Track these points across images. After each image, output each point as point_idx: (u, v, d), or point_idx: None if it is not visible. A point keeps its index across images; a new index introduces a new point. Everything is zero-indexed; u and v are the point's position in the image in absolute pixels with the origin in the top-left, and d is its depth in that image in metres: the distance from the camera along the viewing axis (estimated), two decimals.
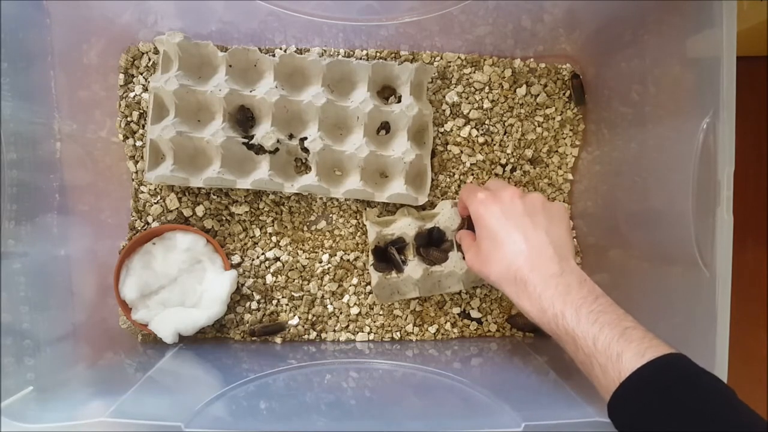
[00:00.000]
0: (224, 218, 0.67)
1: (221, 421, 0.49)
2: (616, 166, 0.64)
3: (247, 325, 0.67)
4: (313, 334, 0.68)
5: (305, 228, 0.68)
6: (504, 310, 0.69)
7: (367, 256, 0.67)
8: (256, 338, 0.67)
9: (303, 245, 0.68)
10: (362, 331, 0.68)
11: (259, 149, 0.63)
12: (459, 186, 0.68)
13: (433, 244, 0.66)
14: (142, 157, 0.66)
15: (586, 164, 0.70)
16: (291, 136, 0.64)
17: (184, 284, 0.64)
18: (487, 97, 0.69)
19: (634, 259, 0.61)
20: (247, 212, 0.67)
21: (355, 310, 0.67)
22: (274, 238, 0.67)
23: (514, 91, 0.69)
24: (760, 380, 0.73)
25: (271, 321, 0.67)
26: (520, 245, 0.51)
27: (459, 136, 0.68)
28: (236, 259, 0.67)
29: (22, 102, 0.55)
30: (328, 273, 0.67)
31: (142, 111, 0.65)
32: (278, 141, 0.63)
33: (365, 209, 0.67)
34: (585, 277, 0.49)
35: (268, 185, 0.63)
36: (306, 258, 0.67)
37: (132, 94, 0.66)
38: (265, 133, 0.63)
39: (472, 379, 0.56)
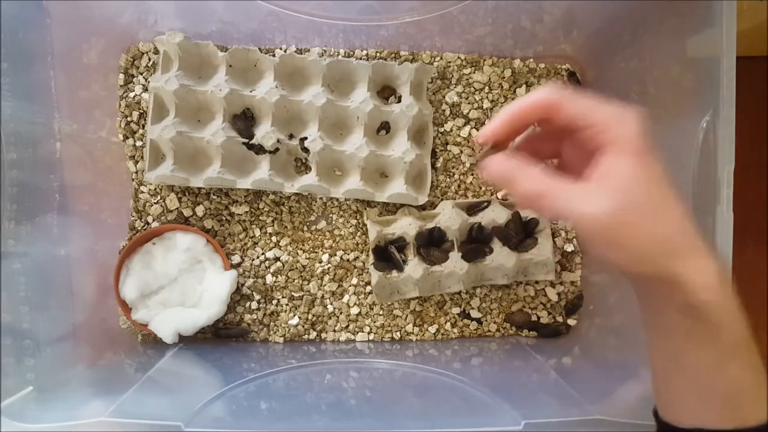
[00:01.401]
0: (224, 218, 0.67)
1: (221, 421, 0.49)
2: None
3: (220, 324, 0.67)
4: (313, 334, 0.67)
5: (305, 228, 0.68)
6: (503, 310, 0.69)
7: (367, 256, 0.67)
8: (219, 338, 0.67)
9: (303, 245, 0.68)
10: (362, 331, 0.68)
11: (259, 149, 0.63)
12: (459, 186, 0.68)
13: (433, 244, 0.66)
14: (142, 157, 0.66)
15: None
16: (291, 136, 0.64)
17: (184, 284, 0.64)
18: (487, 97, 0.69)
19: None
20: (247, 212, 0.67)
21: (355, 310, 0.67)
22: (274, 238, 0.67)
23: (514, 92, 0.69)
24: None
25: (264, 322, 0.67)
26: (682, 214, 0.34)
27: (459, 136, 0.68)
28: (236, 259, 0.67)
29: (22, 102, 0.55)
30: (328, 273, 0.67)
31: (142, 111, 0.65)
32: (278, 141, 0.63)
33: (365, 209, 0.67)
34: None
35: (268, 185, 0.63)
36: (306, 258, 0.67)
37: (132, 94, 0.66)
38: (265, 133, 0.63)
39: (472, 378, 0.56)
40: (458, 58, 0.69)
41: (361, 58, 0.67)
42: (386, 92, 0.67)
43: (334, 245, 0.68)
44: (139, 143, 0.66)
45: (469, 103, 0.68)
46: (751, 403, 0.35)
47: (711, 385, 0.35)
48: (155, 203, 0.66)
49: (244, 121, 0.64)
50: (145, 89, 0.65)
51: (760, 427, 0.34)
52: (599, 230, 0.33)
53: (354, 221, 0.68)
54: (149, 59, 0.66)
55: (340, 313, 0.68)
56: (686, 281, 0.33)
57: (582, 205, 0.33)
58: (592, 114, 0.34)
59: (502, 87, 0.69)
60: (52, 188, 0.60)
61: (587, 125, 0.34)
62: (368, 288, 0.67)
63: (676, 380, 0.37)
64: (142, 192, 0.66)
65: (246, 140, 0.63)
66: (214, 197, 0.66)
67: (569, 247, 0.68)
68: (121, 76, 0.66)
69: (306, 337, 0.67)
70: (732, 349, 0.35)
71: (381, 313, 0.68)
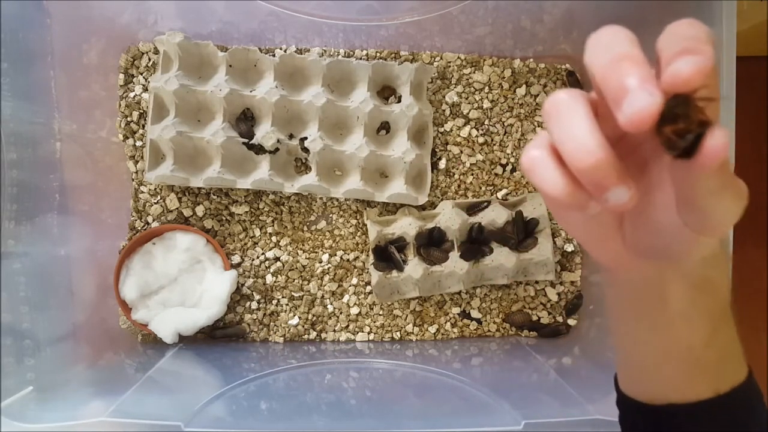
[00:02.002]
0: (224, 218, 0.67)
1: (221, 420, 0.49)
2: None
3: (220, 324, 0.67)
4: (313, 334, 0.67)
5: (305, 228, 0.68)
6: (503, 309, 0.69)
7: (367, 255, 0.67)
8: (218, 339, 0.67)
9: (303, 245, 0.68)
10: (362, 331, 0.68)
11: (259, 149, 0.63)
12: (459, 186, 0.68)
13: (433, 244, 0.66)
14: (142, 157, 0.66)
15: None
16: (291, 136, 0.65)
17: (184, 284, 0.64)
18: (487, 97, 0.69)
19: None
20: (247, 212, 0.67)
21: (355, 310, 0.67)
22: (274, 238, 0.67)
23: (514, 91, 0.69)
24: (760, 380, 0.73)
25: (269, 321, 0.67)
26: None
27: (459, 136, 0.68)
28: (236, 259, 0.67)
29: (22, 102, 0.55)
30: (328, 273, 0.67)
31: (142, 111, 0.65)
32: (278, 141, 0.63)
33: (365, 209, 0.67)
34: None
35: (268, 185, 0.63)
36: (306, 258, 0.67)
37: (132, 94, 0.66)
38: (265, 133, 0.63)
39: (472, 378, 0.56)
40: (458, 58, 0.68)
41: (361, 58, 0.67)
42: (386, 92, 0.67)
43: (334, 245, 0.68)
44: (139, 143, 0.66)
45: (469, 103, 0.68)
46: (731, 367, 0.34)
47: (702, 357, 0.33)
48: (155, 203, 0.66)
49: (244, 121, 0.64)
50: (145, 89, 0.65)
51: (735, 390, 0.33)
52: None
53: (354, 221, 0.68)
54: (149, 59, 0.66)
55: (340, 313, 0.68)
56: (713, 252, 0.31)
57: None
58: None
59: (502, 87, 0.69)
60: (52, 188, 0.60)
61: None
62: (368, 288, 0.68)
63: (658, 360, 0.35)
64: (142, 192, 0.66)
65: (246, 140, 0.63)
66: (214, 197, 0.66)
67: (569, 247, 0.68)
68: (121, 76, 0.66)
69: (306, 337, 0.67)
70: (722, 315, 0.34)
71: (381, 313, 0.68)
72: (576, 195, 0.26)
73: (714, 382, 0.33)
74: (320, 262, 0.67)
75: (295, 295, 0.67)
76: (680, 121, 0.23)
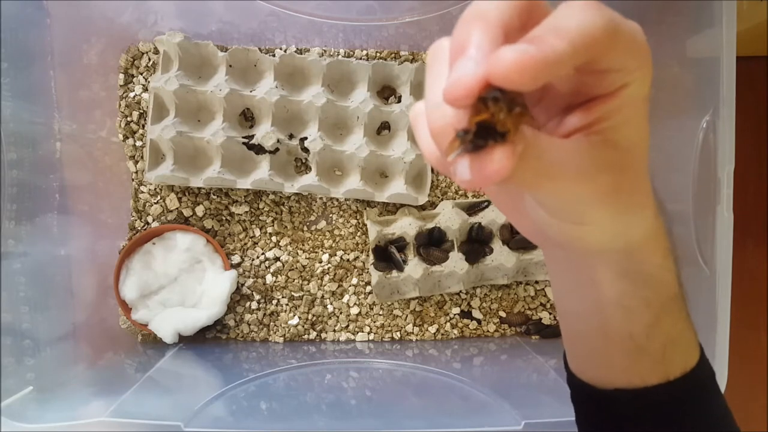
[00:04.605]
0: (224, 218, 0.67)
1: (221, 420, 0.49)
2: None
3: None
4: (313, 334, 0.67)
5: (305, 228, 0.68)
6: (504, 310, 0.69)
7: (367, 256, 0.67)
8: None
9: (303, 245, 0.68)
10: (362, 331, 0.68)
11: (259, 149, 0.63)
12: (459, 186, 0.68)
13: (433, 244, 0.66)
14: (142, 157, 0.66)
15: None
16: (291, 136, 0.65)
17: (184, 284, 0.64)
18: None
19: None
20: (247, 212, 0.67)
21: (355, 310, 0.67)
22: (274, 238, 0.67)
23: None
24: (760, 380, 0.73)
25: (270, 320, 0.67)
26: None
27: None
28: (236, 259, 0.67)
29: (22, 102, 0.55)
30: (328, 273, 0.67)
31: (142, 111, 0.65)
32: (278, 141, 0.63)
33: (365, 209, 0.67)
34: None
35: (268, 185, 0.63)
36: (306, 258, 0.67)
37: (132, 94, 0.66)
38: (265, 133, 0.63)
39: (472, 378, 0.56)
40: None
41: (361, 58, 0.67)
42: (386, 92, 0.67)
43: (334, 245, 0.68)
44: (139, 143, 0.66)
45: None
46: (680, 354, 0.33)
47: (645, 345, 0.32)
48: (155, 203, 0.66)
49: (244, 122, 0.64)
50: (145, 89, 0.65)
51: (685, 375, 0.32)
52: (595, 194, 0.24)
53: (354, 221, 0.68)
54: (149, 59, 0.66)
55: (340, 313, 0.68)
56: (640, 248, 0.29)
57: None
58: (639, 42, 0.23)
59: None
60: (52, 188, 0.60)
61: (622, 66, 0.23)
62: (368, 288, 0.67)
63: (599, 342, 0.33)
64: (142, 192, 0.66)
65: (246, 140, 0.63)
66: (214, 197, 0.66)
67: None
68: (121, 76, 0.66)
69: (306, 337, 0.67)
70: (667, 304, 0.32)
71: (381, 313, 0.68)
72: (444, 162, 0.22)
73: (662, 368, 0.32)
74: (320, 262, 0.67)
75: (295, 295, 0.67)
76: (489, 114, 0.19)
